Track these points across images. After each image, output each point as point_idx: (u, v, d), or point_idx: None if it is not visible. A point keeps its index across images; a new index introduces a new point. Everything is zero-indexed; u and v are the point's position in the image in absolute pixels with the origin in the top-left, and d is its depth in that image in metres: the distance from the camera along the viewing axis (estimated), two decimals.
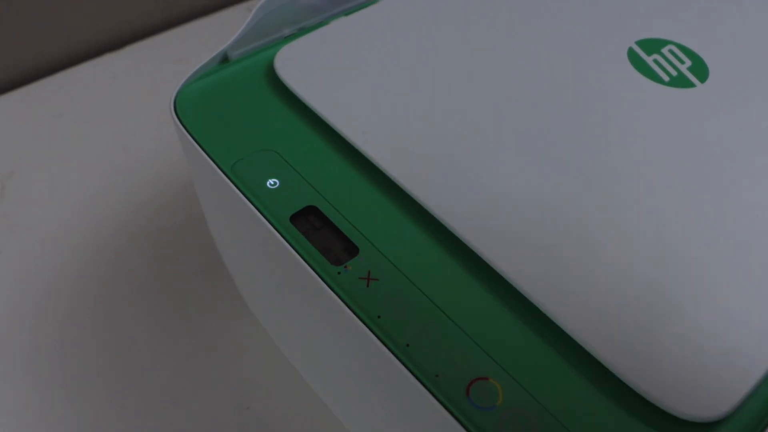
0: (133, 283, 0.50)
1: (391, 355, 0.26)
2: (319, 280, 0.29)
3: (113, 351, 0.46)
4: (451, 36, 0.39)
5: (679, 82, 0.36)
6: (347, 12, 0.42)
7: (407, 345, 0.27)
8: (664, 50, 0.38)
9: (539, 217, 0.30)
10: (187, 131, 0.34)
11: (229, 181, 0.32)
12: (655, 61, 0.37)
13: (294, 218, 0.31)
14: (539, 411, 0.25)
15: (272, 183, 0.32)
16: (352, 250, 0.30)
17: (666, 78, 0.37)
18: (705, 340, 0.26)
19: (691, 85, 0.36)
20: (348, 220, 0.31)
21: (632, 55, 0.37)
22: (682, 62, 0.37)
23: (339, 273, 0.29)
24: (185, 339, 0.46)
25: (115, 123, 0.62)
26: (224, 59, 0.39)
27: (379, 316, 0.27)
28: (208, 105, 0.36)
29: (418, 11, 0.41)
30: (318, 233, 0.30)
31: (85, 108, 0.64)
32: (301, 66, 0.37)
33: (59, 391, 0.44)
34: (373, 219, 0.31)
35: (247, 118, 0.35)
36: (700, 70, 0.37)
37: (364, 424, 0.35)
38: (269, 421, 0.42)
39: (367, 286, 0.28)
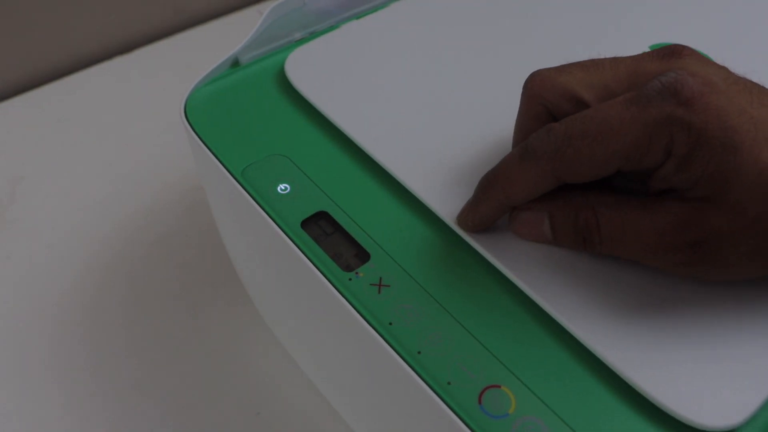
0: (141, 289, 0.50)
1: (402, 363, 0.26)
2: (330, 286, 0.29)
3: (122, 356, 0.46)
4: (462, 39, 0.39)
5: None
6: (357, 16, 0.42)
7: (419, 352, 0.27)
8: None
9: None
10: (198, 135, 0.34)
11: (239, 186, 0.32)
12: None
13: (305, 223, 0.31)
14: (552, 419, 0.25)
15: (283, 188, 0.32)
16: (363, 256, 0.30)
17: None
18: (720, 350, 0.26)
19: None
20: (359, 226, 0.31)
21: None
22: None
23: (350, 279, 0.29)
24: (195, 345, 0.46)
25: (124, 127, 0.62)
26: (235, 63, 0.39)
27: (390, 323, 0.27)
28: (219, 109, 0.36)
29: (428, 15, 0.41)
30: (329, 239, 0.30)
31: (95, 112, 0.64)
32: (311, 70, 0.37)
33: (66, 395, 0.44)
34: (385, 225, 0.31)
35: (258, 122, 0.35)
36: None
37: (375, 431, 0.35)
38: (279, 427, 0.42)
39: (379, 292, 0.28)
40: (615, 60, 0.29)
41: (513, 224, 0.29)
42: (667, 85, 0.25)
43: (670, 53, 0.28)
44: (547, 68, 0.30)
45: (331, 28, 0.41)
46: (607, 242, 0.27)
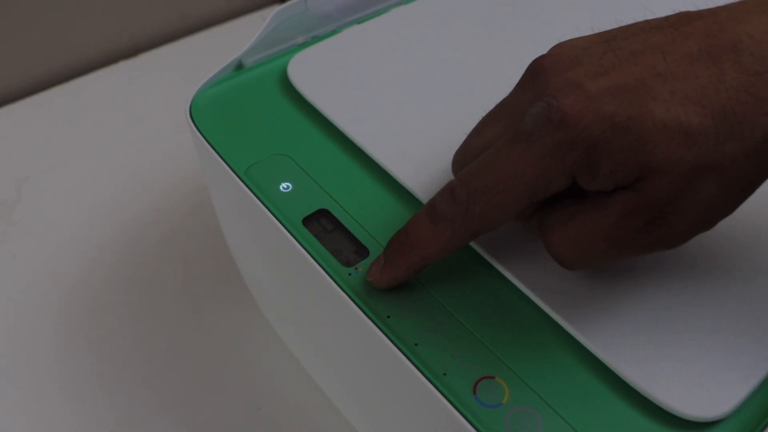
0: (146, 287, 0.50)
1: (400, 354, 0.27)
2: (331, 280, 0.29)
3: (126, 353, 0.47)
4: (462, 43, 0.40)
5: None
6: (359, 21, 0.43)
7: (416, 344, 0.27)
8: None
9: None
10: (203, 136, 0.35)
11: (243, 185, 0.33)
12: None
13: (306, 221, 0.32)
14: (544, 409, 0.25)
15: (285, 186, 0.33)
16: (362, 251, 0.30)
17: None
18: (708, 342, 0.27)
19: None
20: (359, 223, 0.31)
21: None
22: None
23: (350, 274, 0.30)
24: (198, 341, 0.47)
25: (129, 129, 0.63)
26: (239, 66, 0.40)
27: (388, 316, 0.28)
28: (223, 110, 0.37)
29: (427, 20, 0.42)
30: (329, 235, 0.31)
31: (100, 114, 0.65)
32: (313, 73, 0.38)
33: (71, 391, 0.45)
34: (383, 222, 0.31)
35: (261, 123, 0.36)
36: None
37: (372, 423, 0.36)
38: (280, 421, 0.43)
39: None
40: (501, 108, 0.29)
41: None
42: (538, 117, 0.25)
43: (533, 74, 0.27)
44: (456, 153, 0.31)
45: (333, 32, 0.42)
46: (575, 259, 0.27)
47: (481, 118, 0.30)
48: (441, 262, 0.30)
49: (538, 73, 0.27)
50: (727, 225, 0.30)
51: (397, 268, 0.28)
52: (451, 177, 0.32)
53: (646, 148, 0.24)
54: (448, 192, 0.27)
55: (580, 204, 0.26)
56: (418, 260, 0.28)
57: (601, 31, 0.27)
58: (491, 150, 0.26)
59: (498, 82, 0.37)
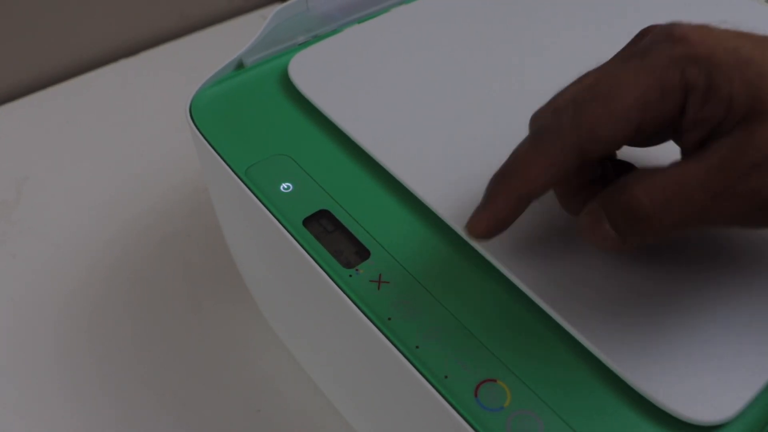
0: (146, 288, 0.50)
1: (401, 357, 0.27)
2: (331, 282, 0.29)
3: (126, 354, 0.47)
4: (461, 42, 0.40)
5: None
6: (360, 20, 0.42)
7: (417, 347, 0.27)
8: None
9: (547, 225, 0.30)
10: (203, 135, 0.35)
11: (243, 185, 0.33)
12: None
13: (307, 222, 0.31)
14: (547, 413, 0.25)
15: (285, 187, 0.33)
16: (363, 253, 0.30)
17: None
18: (712, 345, 0.27)
19: None
20: (360, 224, 0.31)
21: None
22: None
23: (350, 276, 0.29)
24: (197, 342, 0.47)
25: (129, 128, 0.63)
26: (239, 65, 0.39)
27: (389, 318, 0.28)
28: (223, 110, 0.36)
29: (429, 19, 0.42)
30: (330, 236, 0.31)
31: (100, 113, 0.65)
32: (314, 72, 0.38)
33: (71, 391, 0.45)
34: (385, 223, 0.31)
35: (262, 123, 0.36)
36: None
37: (373, 425, 0.36)
38: (279, 423, 0.42)
39: (378, 288, 0.29)
40: (612, 80, 0.25)
41: (582, 233, 0.27)
42: (658, 33, 0.24)
43: (645, 30, 0.27)
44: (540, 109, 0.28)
45: (334, 31, 0.42)
46: (660, 213, 0.24)
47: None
48: (442, 264, 0.29)
49: (651, 27, 0.26)
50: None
51: (499, 201, 0.26)
52: (451, 177, 0.32)
53: (766, 83, 0.23)
54: (550, 109, 0.25)
55: (668, 164, 0.24)
56: (521, 186, 0.25)
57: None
58: (600, 67, 0.25)
59: (500, 81, 0.37)
